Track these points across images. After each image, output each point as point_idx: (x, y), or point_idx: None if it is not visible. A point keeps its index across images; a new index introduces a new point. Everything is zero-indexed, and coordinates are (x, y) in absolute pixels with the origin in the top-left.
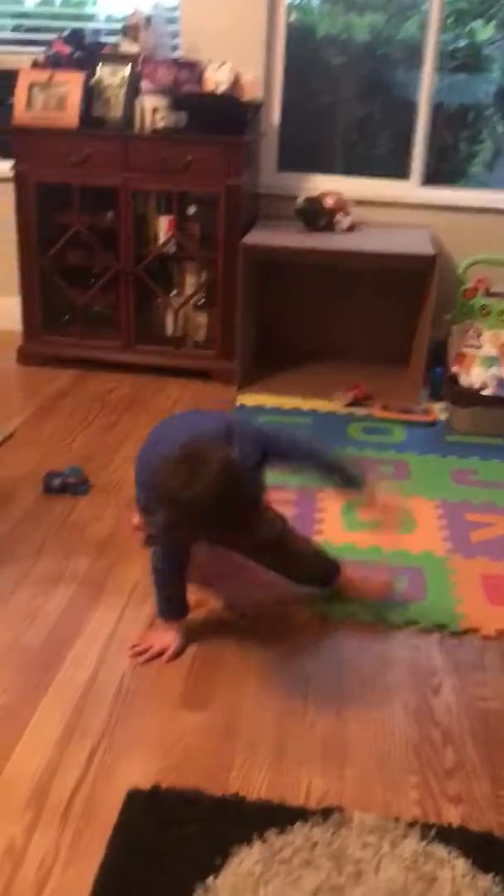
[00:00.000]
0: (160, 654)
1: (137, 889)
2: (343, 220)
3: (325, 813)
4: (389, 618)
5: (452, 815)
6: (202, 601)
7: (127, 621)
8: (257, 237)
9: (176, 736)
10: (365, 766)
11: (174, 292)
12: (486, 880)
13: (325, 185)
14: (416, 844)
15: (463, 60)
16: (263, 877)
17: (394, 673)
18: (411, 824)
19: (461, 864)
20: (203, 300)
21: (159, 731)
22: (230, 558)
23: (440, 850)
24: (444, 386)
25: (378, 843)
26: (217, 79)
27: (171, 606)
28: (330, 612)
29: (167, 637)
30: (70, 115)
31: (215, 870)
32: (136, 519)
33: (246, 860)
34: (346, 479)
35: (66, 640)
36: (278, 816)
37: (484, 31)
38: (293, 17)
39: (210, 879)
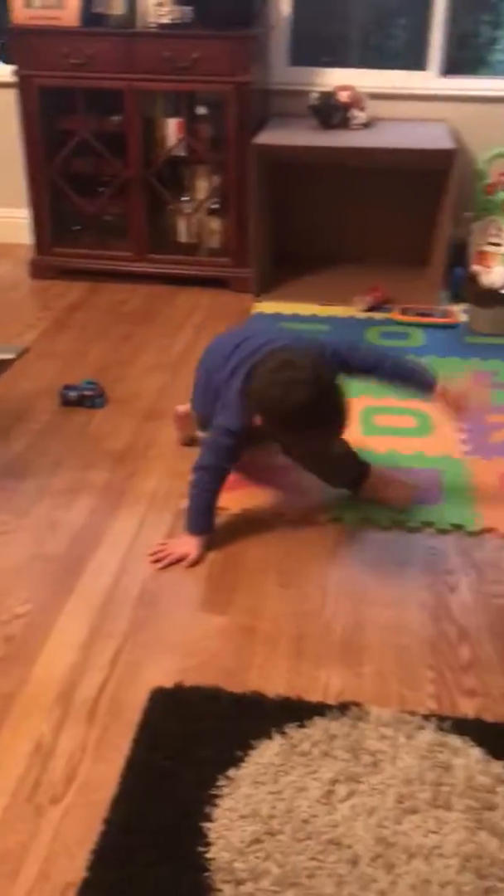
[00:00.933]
0: (180, 560)
1: (162, 781)
2: (359, 116)
3: (343, 708)
4: (407, 521)
5: (468, 708)
6: (222, 507)
7: (147, 529)
8: (269, 137)
9: (197, 637)
10: (382, 662)
11: (186, 198)
12: (499, 766)
13: (340, 79)
14: (432, 735)
15: None
16: (283, 768)
17: (411, 573)
18: (427, 717)
19: (475, 753)
20: (216, 205)
21: (181, 633)
22: (271, 460)
23: (455, 741)
24: (465, 286)
25: (395, 735)
26: None
27: (204, 519)
28: (349, 515)
29: (188, 544)
30: (70, 13)
31: (236, 762)
32: (183, 409)
33: (266, 752)
34: (421, 386)
35: (88, 548)
36: (297, 712)
37: None
38: None
39: (231, 771)
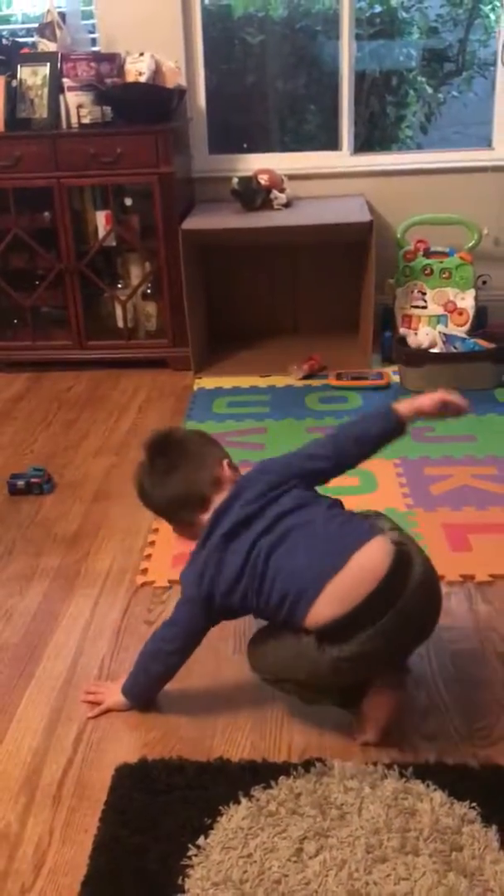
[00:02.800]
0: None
1: (132, 856)
2: (279, 196)
3: (307, 764)
4: None
5: (429, 753)
6: (175, 581)
7: (102, 608)
8: (196, 222)
9: (158, 711)
10: (342, 718)
11: (120, 285)
12: (462, 807)
13: (258, 163)
14: (396, 783)
15: (380, 27)
16: (252, 830)
17: None
18: (389, 766)
19: (439, 796)
20: (150, 290)
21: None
22: None
23: (419, 786)
24: (394, 348)
25: (359, 787)
26: (138, 69)
27: (150, 689)
28: None
29: (115, 697)
30: None
31: (205, 830)
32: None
33: (234, 817)
34: (379, 417)
35: (44, 633)
36: (262, 774)
37: None
38: (208, 0)
39: (201, 839)
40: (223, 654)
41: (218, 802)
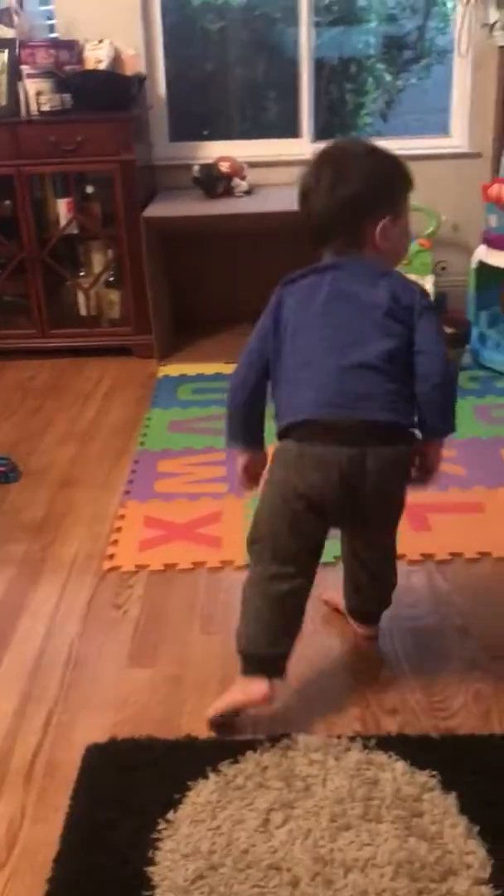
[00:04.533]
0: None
1: (102, 833)
2: (241, 184)
3: (274, 739)
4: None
5: (391, 725)
6: (142, 565)
7: (70, 594)
8: (157, 209)
9: (127, 692)
10: (307, 693)
11: (83, 273)
12: (423, 776)
13: (220, 150)
14: (359, 755)
15: (338, 14)
16: (220, 804)
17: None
18: (353, 738)
19: (400, 766)
20: (113, 277)
21: (111, 689)
22: None
23: (381, 757)
24: None
25: (324, 759)
26: (97, 56)
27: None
28: None
29: (252, 687)
30: None
31: (174, 804)
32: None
33: (203, 791)
34: (436, 424)
35: (12, 618)
36: (229, 749)
37: None
38: None
39: (170, 814)
40: (189, 635)
41: (187, 778)
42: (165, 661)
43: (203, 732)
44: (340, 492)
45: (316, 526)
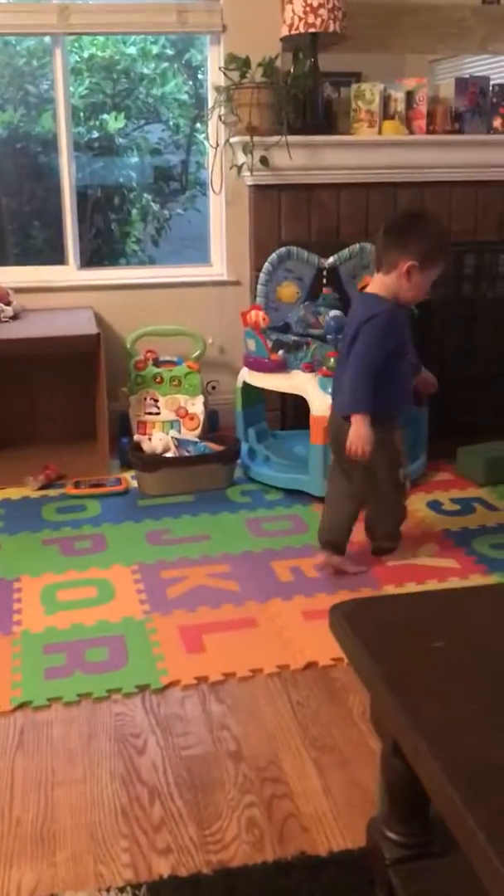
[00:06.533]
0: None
1: None
2: (6, 309)
3: None
4: (93, 692)
5: (163, 867)
6: None
7: None
8: None
9: None
10: (76, 844)
11: None
12: None
13: None
14: None
15: (99, 150)
16: None
17: (99, 744)
18: (122, 889)
19: None
20: None
21: None
22: None
23: None
24: (131, 454)
25: None
26: None
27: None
28: (35, 696)
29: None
30: None
31: None
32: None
33: None
34: None
35: None
36: None
37: (115, 122)
38: None
39: None
40: None
41: None
42: None
43: None
44: None
45: None
